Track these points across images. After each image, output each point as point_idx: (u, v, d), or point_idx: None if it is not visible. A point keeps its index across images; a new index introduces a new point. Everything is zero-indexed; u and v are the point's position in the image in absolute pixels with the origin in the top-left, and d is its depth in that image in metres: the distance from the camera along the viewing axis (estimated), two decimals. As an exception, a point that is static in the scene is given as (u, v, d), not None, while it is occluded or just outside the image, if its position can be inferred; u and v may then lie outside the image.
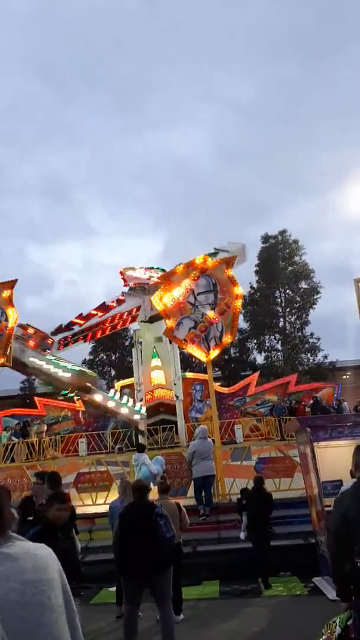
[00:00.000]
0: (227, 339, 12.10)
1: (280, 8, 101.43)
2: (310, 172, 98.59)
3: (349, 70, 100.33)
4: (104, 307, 16.93)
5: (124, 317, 16.91)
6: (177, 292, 12.08)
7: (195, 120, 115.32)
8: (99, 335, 16.68)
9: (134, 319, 17.33)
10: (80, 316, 16.43)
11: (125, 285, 17.90)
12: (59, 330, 15.82)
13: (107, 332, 17.10)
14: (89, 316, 16.44)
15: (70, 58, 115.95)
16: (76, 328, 15.89)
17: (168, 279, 12.34)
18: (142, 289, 17.48)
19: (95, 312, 16.61)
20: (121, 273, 18.36)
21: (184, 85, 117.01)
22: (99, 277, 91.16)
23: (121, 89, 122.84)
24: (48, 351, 14.55)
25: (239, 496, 9.22)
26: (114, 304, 16.99)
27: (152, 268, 18.72)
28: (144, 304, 16.79)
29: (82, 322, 16.17)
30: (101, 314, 16.50)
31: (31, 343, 14.25)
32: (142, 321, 17.72)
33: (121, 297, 17.36)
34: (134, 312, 17.03)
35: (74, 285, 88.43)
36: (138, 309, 16.92)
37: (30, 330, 14.88)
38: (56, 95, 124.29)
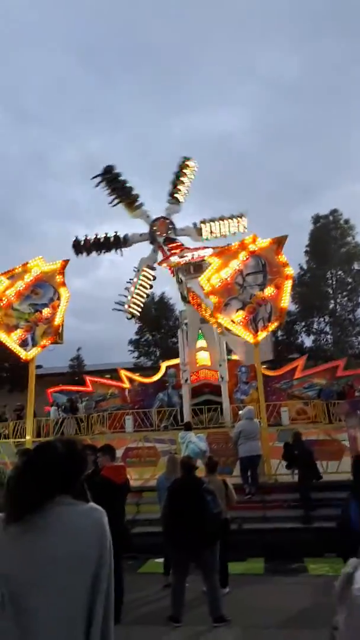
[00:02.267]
0: (276, 321, 11.96)
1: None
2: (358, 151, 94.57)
3: None
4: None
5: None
6: (225, 273, 12.00)
7: (237, 100, 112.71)
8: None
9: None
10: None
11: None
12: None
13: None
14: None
15: (108, 38, 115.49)
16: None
17: (221, 255, 12.25)
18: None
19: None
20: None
21: (225, 64, 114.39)
22: (139, 257, 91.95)
23: (160, 69, 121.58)
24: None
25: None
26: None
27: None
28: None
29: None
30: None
31: None
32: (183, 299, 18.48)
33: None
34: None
35: (115, 265, 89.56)
36: None
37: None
38: (95, 78, 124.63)
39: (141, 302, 20.20)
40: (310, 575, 7.31)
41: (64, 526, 1.66)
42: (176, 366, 22.04)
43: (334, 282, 37.99)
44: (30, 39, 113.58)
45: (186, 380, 19.92)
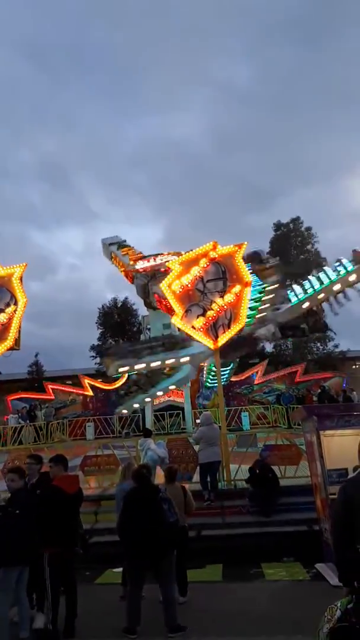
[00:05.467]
0: (235, 326, 12.06)
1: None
2: (313, 158, 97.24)
3: (347, 53, 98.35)
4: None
5: None
6: (186, 279, 12.04)
7: (191, 104, 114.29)
8: None
9: None
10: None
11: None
12: None
13: None
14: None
15: (61, 41, 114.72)
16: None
17: (184, 263, 12.18)
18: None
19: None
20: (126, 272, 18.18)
21: (179, 69, 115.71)
22: (101, 261, 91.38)
23: (115, 73, 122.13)
24: None
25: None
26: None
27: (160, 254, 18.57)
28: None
29: None
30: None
31: None
32: (150, 307, 17.73)
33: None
34: None
35: (75, 269, 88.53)
36: None
37: None
38: (48, 78, 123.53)
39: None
40: (268, 580, 7.35)
41: None
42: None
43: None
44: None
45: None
